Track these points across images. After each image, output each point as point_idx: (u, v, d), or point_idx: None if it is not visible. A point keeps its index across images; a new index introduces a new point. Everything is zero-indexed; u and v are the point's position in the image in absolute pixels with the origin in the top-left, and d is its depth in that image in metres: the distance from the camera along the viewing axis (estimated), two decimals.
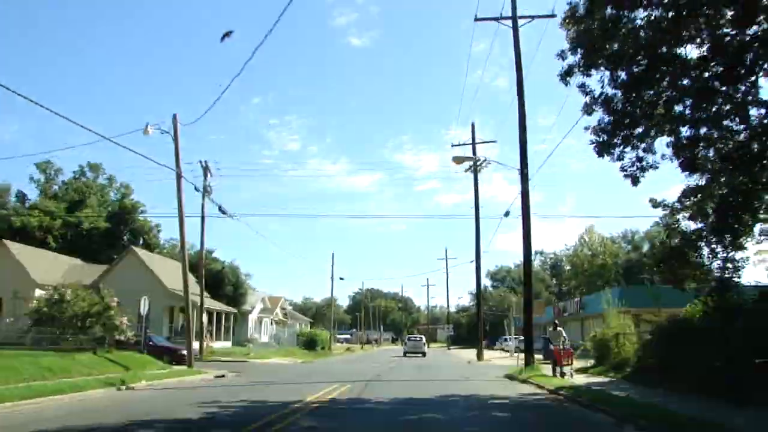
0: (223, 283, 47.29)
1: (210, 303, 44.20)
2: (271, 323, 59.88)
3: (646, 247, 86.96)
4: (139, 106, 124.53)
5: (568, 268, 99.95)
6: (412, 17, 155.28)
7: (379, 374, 22.61)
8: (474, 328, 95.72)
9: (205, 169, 32.18)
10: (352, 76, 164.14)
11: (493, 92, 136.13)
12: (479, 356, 35.98)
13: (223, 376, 21.69)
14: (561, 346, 19.66)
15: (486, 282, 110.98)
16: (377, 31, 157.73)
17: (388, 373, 24.31)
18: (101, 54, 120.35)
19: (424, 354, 43.26)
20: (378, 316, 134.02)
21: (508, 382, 19.79)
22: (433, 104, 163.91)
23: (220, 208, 29.47)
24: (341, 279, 49.97)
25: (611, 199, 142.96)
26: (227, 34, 15.17)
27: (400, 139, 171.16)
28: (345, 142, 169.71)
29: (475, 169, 33.40)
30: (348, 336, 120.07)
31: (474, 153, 34.22)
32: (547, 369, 20.45)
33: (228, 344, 44.74)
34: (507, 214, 27.37)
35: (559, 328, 20.46)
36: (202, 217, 32.38)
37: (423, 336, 49.44)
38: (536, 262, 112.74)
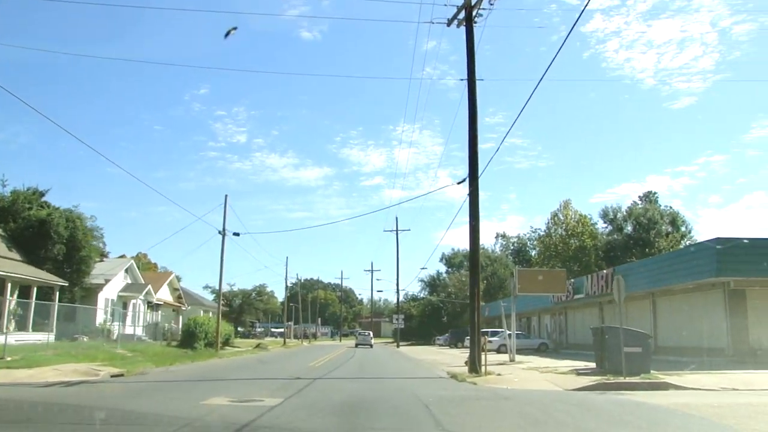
0: (48, 240, 29.86)
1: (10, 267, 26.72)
2: (147, 306, 42.50)
3: (629, 228, 74.00)
4: None
5: (534, 252, 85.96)
6: (363, 11, 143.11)
7: None
8: (430, 319, 78.31)
9: None
10: (301, 69, 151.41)
11: (442, 90, 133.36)
12: (473, 366, 17.41)
13: None
14: None
15: (439, 267, 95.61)
16: (327, 24, 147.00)
17: None
18: None
19: (371, 346, 52.85)
20: (316, 308, 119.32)
21: None
22: (382, 101, 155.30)
23: None
24: (236, 234, 33.17)
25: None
26: (233, 29, 16.00)
27: (348, 134, 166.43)
28: (292, 136, 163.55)
29: (469, 6, 17.76)
30: (283, 330, 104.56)
31: None
32: None
33: (50, 337, 27.48)
34: None
35: None
36: None
37: (371, 332, 61.02)
38: (497, 247, 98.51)
